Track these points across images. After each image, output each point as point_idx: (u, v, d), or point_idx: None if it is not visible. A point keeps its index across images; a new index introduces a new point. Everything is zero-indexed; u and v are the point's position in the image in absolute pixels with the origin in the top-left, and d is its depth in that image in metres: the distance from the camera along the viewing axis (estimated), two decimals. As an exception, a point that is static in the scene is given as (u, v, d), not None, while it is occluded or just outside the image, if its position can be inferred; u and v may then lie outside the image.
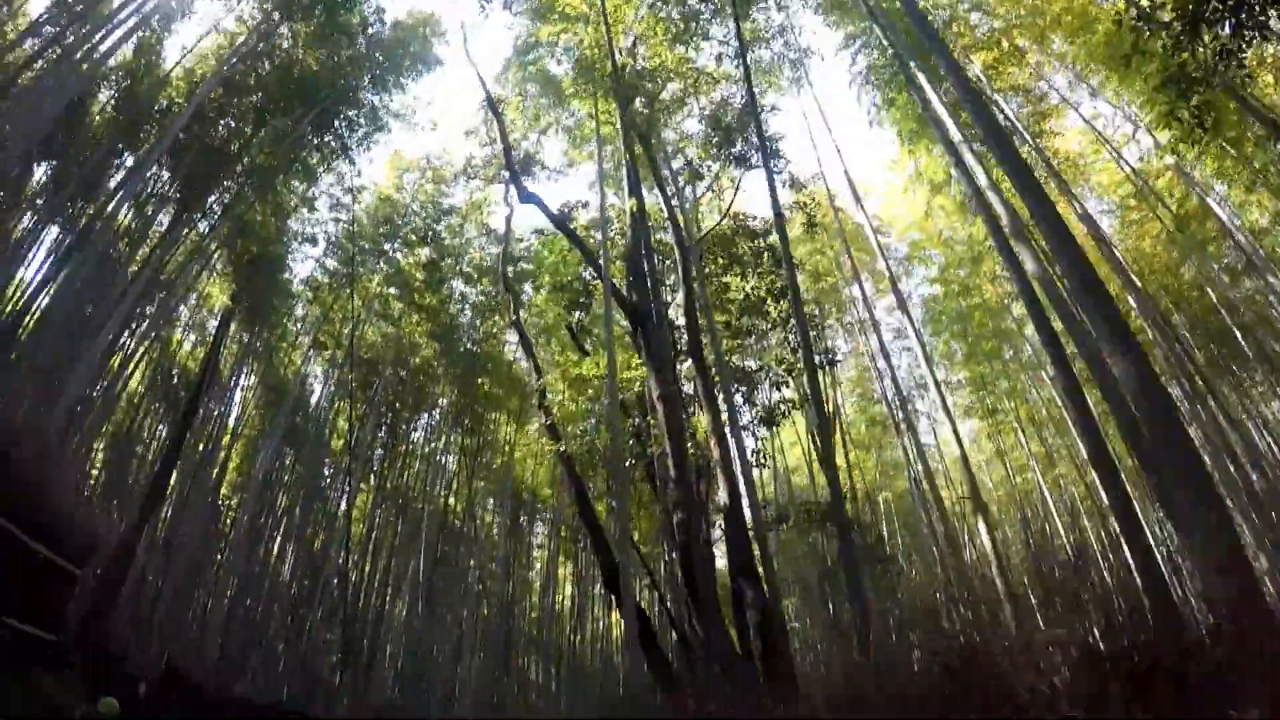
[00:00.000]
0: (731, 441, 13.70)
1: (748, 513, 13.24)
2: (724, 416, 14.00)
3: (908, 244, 29.96)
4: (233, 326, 23.45)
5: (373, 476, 27.85)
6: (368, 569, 25.79)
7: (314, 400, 26.60)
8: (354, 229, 25.20)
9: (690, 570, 12.26)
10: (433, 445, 28.60)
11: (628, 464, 16.99)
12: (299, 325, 26.89)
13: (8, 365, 16.00)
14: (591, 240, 18.87)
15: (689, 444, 13.96)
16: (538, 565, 33.55)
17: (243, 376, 25.18)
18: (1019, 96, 21.07)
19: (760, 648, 11.01)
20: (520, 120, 21.90)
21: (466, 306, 29.33)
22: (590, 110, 18.62)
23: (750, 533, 12.92)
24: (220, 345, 22.47)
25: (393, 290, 27.69)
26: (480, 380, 27.90)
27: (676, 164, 19.34)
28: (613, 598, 31.46)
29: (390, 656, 25.37)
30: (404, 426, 28.11)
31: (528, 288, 26.55)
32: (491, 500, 29.97)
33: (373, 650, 24.97)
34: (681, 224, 17.23)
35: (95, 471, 21.25)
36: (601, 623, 32.71)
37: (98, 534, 15.48)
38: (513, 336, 26.59)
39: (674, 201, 17.97)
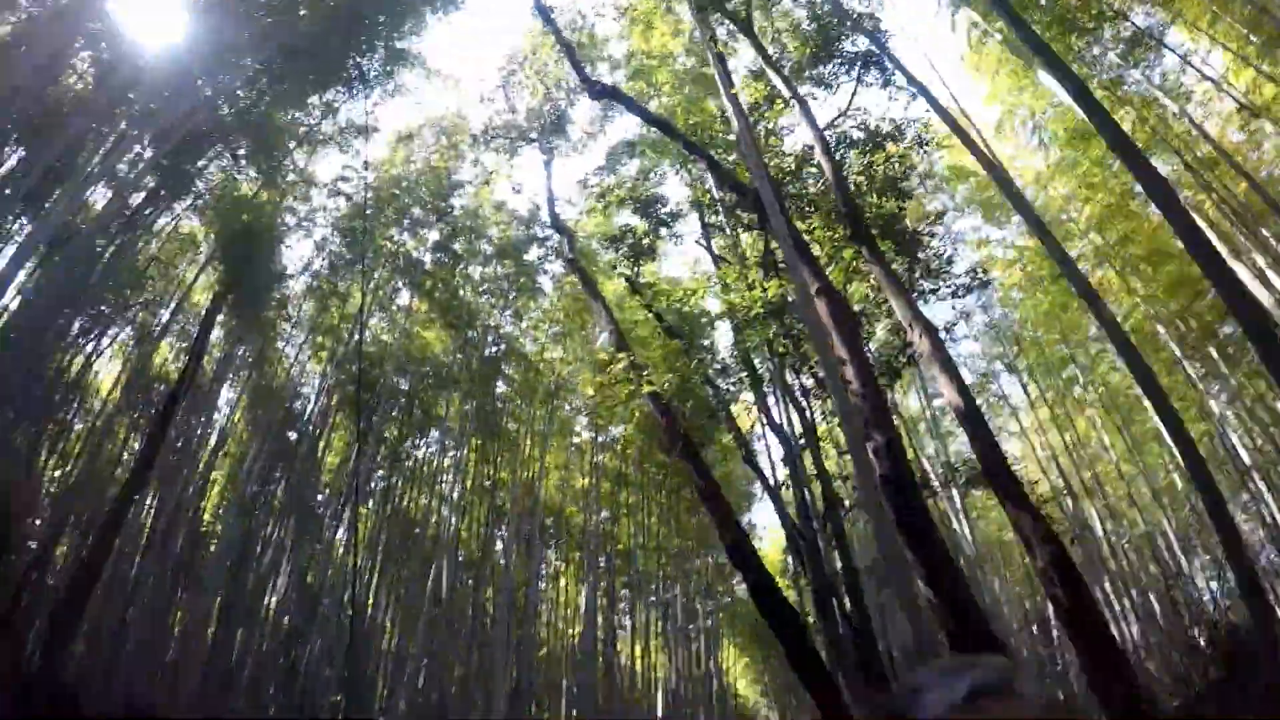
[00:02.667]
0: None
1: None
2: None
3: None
4: (218, 326, 20.68)
5: (372, 499, 25.09)
6: (371, 603, 23.02)
7: (309, 410, 23.63)
8: (367, 197, 22.31)
9: (911, 519, 8.19)
10: (442, 462, 25.78)
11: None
12: (293, 323, 24.02)
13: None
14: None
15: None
16: (562, 596, 30.82)
17: (227, 385, 22.28)
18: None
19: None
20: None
21: (484, 294, 26.53)
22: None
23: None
24: (203, 347, 19.73)
25: (402, 280, 24.91)
26: (500, 378, 25.33)
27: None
28: (658, 633, 29.00)
29: (398, 696, 22.42)
30: (413, 440, 25.25)
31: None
32: (505, 525, 27.09)
33: (380, 689, 22.15)
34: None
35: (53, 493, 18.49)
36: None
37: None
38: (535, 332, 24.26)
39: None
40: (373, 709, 21.53)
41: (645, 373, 15.36)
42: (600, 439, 29.71)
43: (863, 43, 15.06)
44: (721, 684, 35.91)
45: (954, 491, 21.66)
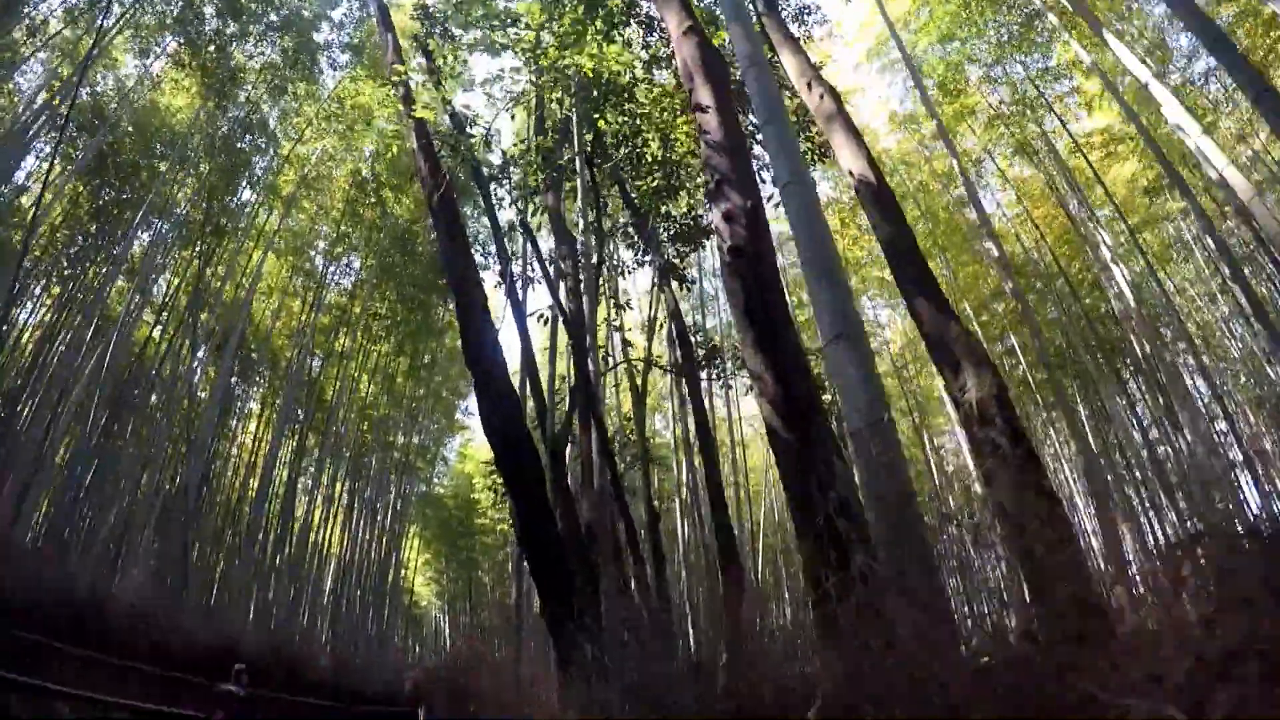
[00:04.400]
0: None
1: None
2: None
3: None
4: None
5: (56, 283, 21.60)
6: (25, 394, 19.75)
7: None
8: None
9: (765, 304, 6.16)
10: (153, 259, 22.43)
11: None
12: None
13: None
14: None
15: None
16: (249, 437, 28.08)
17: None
18: None
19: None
20: None
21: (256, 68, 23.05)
22: None
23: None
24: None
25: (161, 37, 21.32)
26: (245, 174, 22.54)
27: None
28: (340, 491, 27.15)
29: (40, 502, 19.29)
30: (124, 230, 21.64)
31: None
32: (205, 346, 24.20)
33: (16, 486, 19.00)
34: None
35: None
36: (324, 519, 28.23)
37: None
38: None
39: None
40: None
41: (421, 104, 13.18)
42: (334, 270, 27.59)
43: None
44: (398, 575, 34.65)
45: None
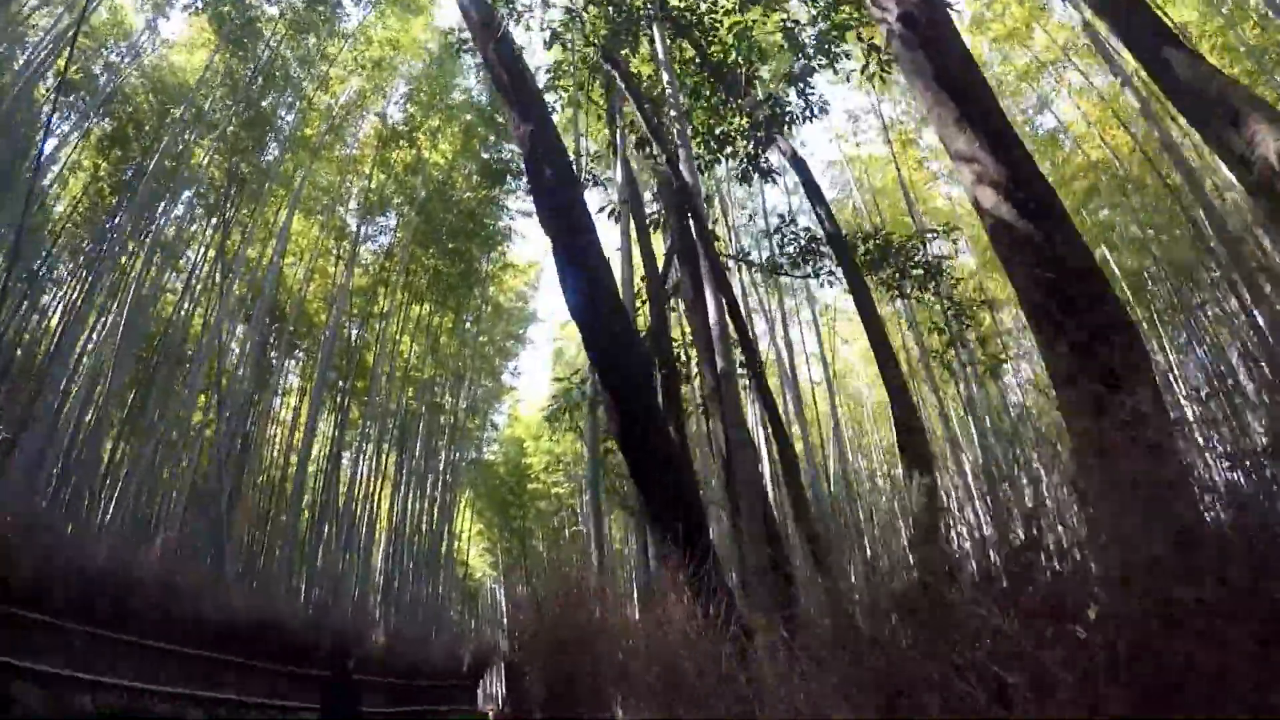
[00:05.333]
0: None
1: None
2: None
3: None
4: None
5: (80, 259, 20.76)
6: (51, 371, 18.82)
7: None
8: None
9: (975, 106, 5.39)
10: (177, 226, 21.38)
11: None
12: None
13: None
14: None
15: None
16: (289, 411, 27.12)
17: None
18: None
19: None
20: None
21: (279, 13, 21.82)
22: None
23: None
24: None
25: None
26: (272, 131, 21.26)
27: None
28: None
29: (68, 478, 18.37)
30: (147, 199, 20.51)
31: None
32: (241, 318, 23.15)
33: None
34: None
35: None
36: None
37: None
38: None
39: None
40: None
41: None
42: (368, 227, 26.43)
43: None
44: (451, 546, 33.63)
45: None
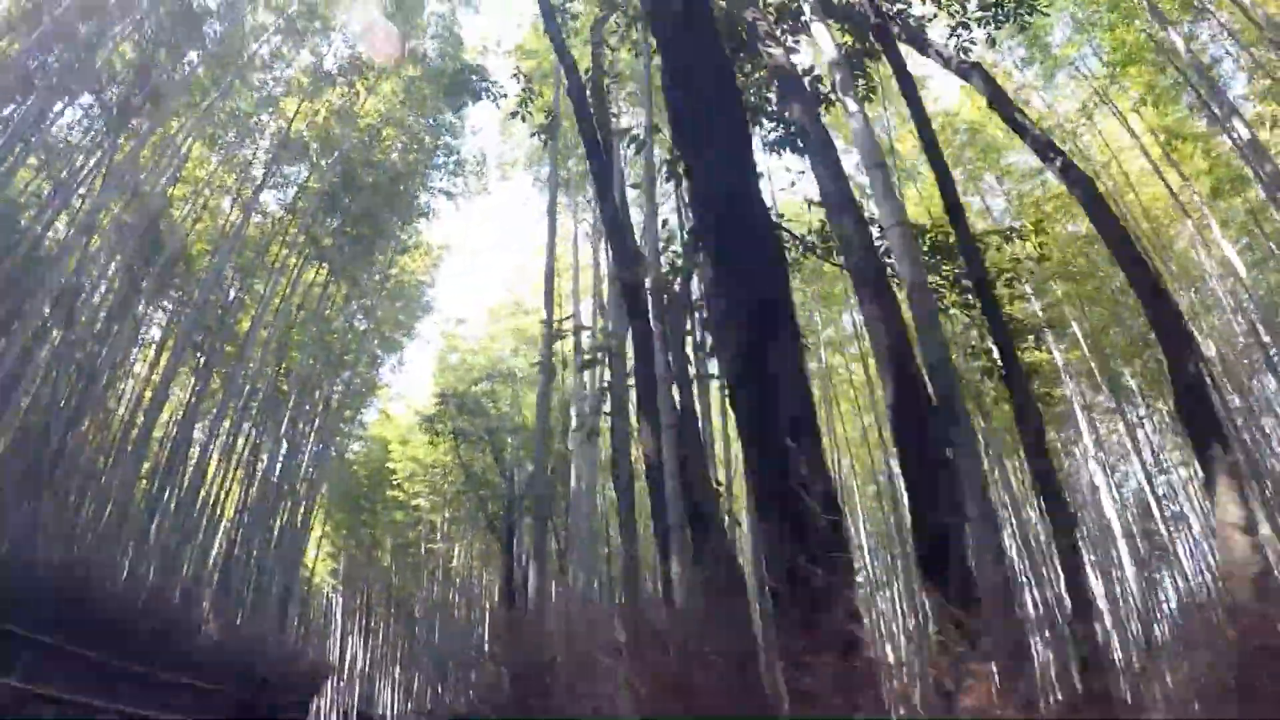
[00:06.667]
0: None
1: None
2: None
3: None
4: None
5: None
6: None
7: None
8: None
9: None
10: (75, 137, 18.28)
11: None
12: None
13: None
14: None
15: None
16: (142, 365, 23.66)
17: None
18: None
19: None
20: None
21: None
22: None
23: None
24: None
25: None
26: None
27: None
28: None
29: None
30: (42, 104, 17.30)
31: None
32: (106, 244, 19.93)
33: None
34: None
35: None
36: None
37: None
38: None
39: None
40: None
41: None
42: (275, 171, 23.62)
43: None
44: (300, 546, 30.22)
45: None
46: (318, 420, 27.90)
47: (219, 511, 24.59)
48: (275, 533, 26.23)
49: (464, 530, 37.47)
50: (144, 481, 21.77)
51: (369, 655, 44.79)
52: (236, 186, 23.09)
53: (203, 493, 22.86)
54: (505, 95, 16.18)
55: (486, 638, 33.21)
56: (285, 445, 26.36)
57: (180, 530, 21.59)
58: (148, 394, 21.39)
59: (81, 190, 18.68)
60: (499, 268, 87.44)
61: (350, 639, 45.33)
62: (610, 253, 13.14)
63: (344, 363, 28.55)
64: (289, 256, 23.77)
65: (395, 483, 35.52)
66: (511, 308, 34.21)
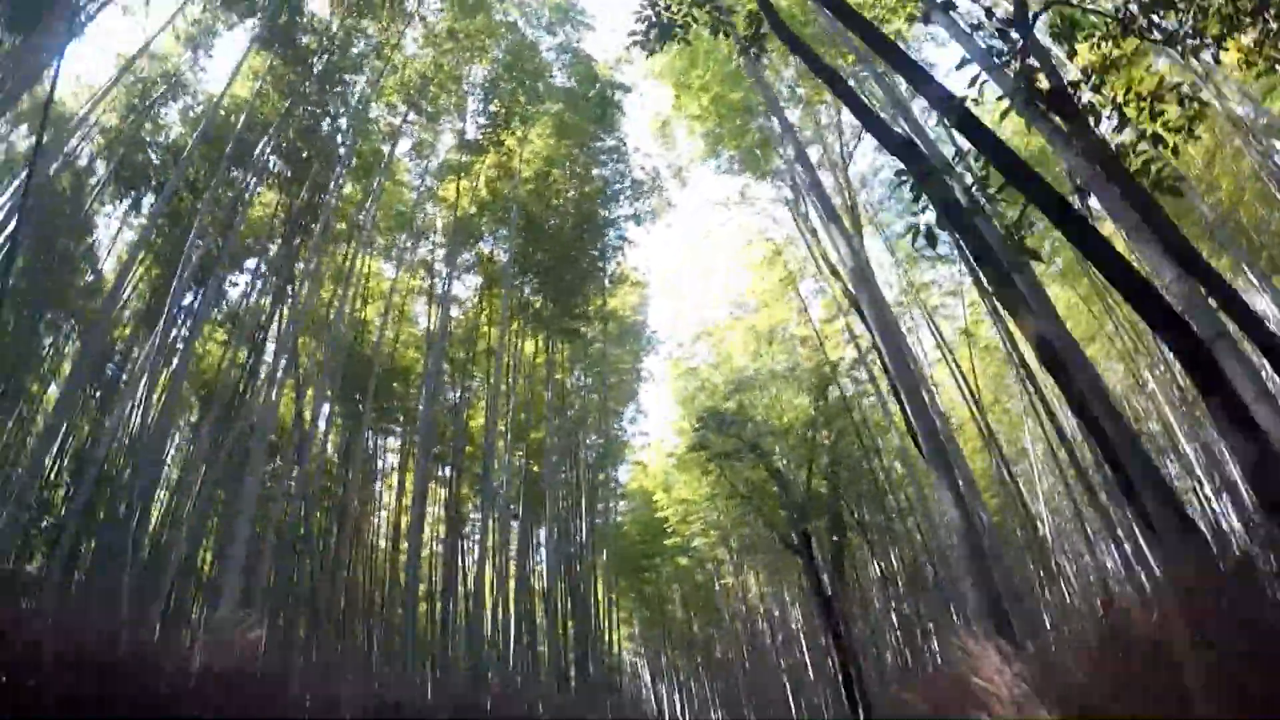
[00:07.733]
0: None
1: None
2: None
3: None
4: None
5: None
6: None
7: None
8: None
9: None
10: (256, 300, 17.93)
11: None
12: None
13: None
14: None
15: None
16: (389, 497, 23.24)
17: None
18: None
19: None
20: None
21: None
22: None
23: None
24: None
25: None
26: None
27: None
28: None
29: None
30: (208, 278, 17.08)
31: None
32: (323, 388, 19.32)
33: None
34: None
35: None
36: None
37: None
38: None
39: None
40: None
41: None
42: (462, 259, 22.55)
43: None
44: (596, 631, 28.95)
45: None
46: (580, 493, 26.73)
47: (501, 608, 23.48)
48: (575, 619, 24.90)
49: (755, 558, 35.35)
50: (423, 604, 21.12)
51: (690, 707, 43.87)
52: (426, 286, 22.21)
53: (484, 598, 21.79)
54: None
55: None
56: (556, 528, 25.09)
57: (483, 641, 20.57)
58: (404, 521, 20.67)
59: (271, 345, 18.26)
60: (699, 278, 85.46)
61: (660, 689, 44.65)
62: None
63: (587, 427, 27.28)
64: (502, 336, 22.45)
65: (669, 530, 33.82)
66: (734, 309, 31.82)
